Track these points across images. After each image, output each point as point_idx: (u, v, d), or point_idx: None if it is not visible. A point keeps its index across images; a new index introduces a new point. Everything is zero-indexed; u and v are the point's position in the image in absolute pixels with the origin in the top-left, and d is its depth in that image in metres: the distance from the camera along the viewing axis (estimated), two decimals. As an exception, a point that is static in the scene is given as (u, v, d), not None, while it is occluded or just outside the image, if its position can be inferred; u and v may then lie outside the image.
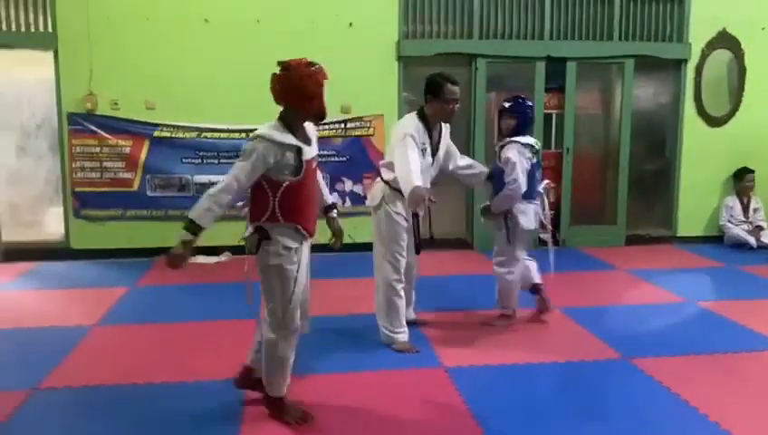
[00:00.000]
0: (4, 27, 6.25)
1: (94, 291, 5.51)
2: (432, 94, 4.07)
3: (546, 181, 4.63)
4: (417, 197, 3.63)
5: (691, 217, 7.39)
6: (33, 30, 6.30)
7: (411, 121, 4.07)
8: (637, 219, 7.41)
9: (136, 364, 3.86)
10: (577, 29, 6.97)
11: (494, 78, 7.00)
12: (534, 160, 4.34)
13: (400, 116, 6.80)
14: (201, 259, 6.51)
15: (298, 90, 2.95)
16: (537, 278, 4.62)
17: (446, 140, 4.28)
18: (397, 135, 3.97)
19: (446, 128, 4.29)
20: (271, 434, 3.08)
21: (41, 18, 6.30)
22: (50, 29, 6.30)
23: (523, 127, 4.34)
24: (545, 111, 7.06)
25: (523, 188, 4.24)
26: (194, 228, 2.90)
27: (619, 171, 7.19)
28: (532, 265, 4.62)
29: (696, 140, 7.26)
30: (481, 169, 4.54)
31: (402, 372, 3.76)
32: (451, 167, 4.40)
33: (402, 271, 4.15)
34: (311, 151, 3.09)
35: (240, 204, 3.19)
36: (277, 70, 3.01)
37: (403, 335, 4.14)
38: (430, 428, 3.14)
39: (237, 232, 6.48)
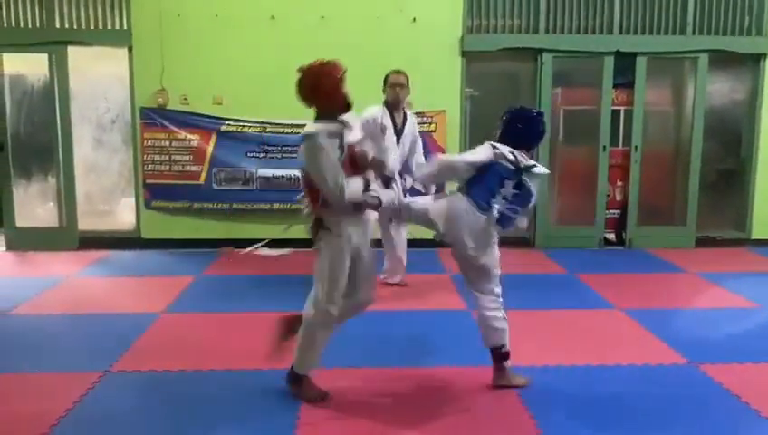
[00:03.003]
0: (83, 25, 6.54)
1: (162, 279, 5.71)
2: (384, 85, 4.99)
3: (519, 210, 3.38)
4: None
5: (767, 219, 7.05)
6: (108, 27, 6.57)
7: (373, 107, 4.91)
8: (708, 221, 7.13)
9: (200, 351, 3.99)
10: (648, 22, 6.74)
11: (561, 73, 6.87)
12: (510, 168, 3.31)
13: (462, 112, 6.79)
14: (264, 251, 6.67)
15: (316, 88, 3.16)
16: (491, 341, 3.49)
17: (411, 129, 5.03)
18: None
19: (411, 117, 5.07)
20: (328, 423, 3.13)
21: (116, 16, 6.56)
22: (125, 27, 6.56)
23: (503, 138, 3.42)
24: (613, 108, 6.89)
25: (462, 164, 3.38)
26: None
27: (689, 170, 6.94)
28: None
29: (775, 139, 6.92)
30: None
31: (462, 369, 3.75)
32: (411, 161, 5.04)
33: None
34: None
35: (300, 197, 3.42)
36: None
37: None
38: (488, 427, 3.12)
39: (301, 230, 6.66)
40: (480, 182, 3.35)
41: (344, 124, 3.21)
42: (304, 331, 3.28)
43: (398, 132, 4.98)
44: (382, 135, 4.87)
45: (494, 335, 3.43)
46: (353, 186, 3.10)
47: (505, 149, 3.34)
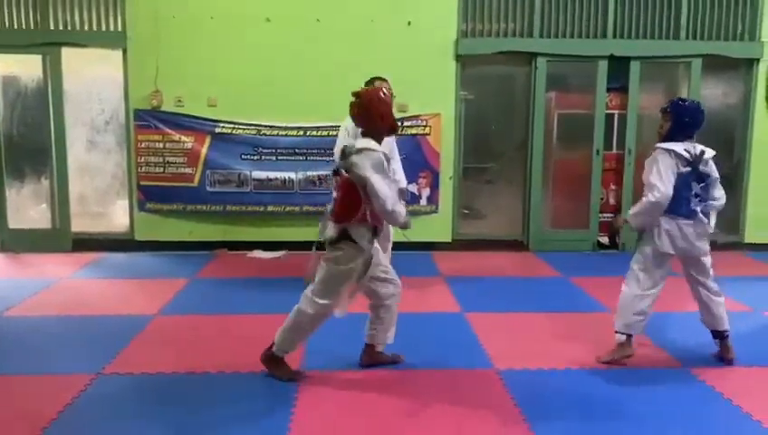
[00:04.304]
0: (77, 27, 6.53)
1: (156, 282, 5.70)
2: None
3: (713, 202, 3.82)
4: None
5: (760, 222, 7.08)
6: (103, 29, 6.56)
7: (347, 117, 4.93)
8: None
9: (194, 354, 3.98)
10: (642, 27, 6.78)
11: (555, 77, 6.89)
12: (688, 170, 3.71)
13: (457, 115, 6.80)
14: (258, 254, 6.66)
15: (370, 112, 3.47)
16: (722, 324, 3.91)
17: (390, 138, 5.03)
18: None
19: None
20: (321, 424, 3.12)
21: (111, 18, 6.55)
22: (119, 28, 6.55)
23: (676, 131, 3.77)
24: (607, 112, 6.92)
25: (665, 197, 3.63)
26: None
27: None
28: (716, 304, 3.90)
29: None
30: (402, 182, 5.02)
31: (453, 372, 3.75)
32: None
33: None
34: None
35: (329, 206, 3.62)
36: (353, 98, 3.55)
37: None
38: (480, 430, 3.12)
39: (295, 233, 6.73)
40: (674, 197, 3.66)
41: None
42: (297, 318, 3.55)
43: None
44: None
45: (724, 318, 3.88)
46: (401, 209, 3.43)
47: (679, 148, 3.70)
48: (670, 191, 3.63)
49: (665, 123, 3.82)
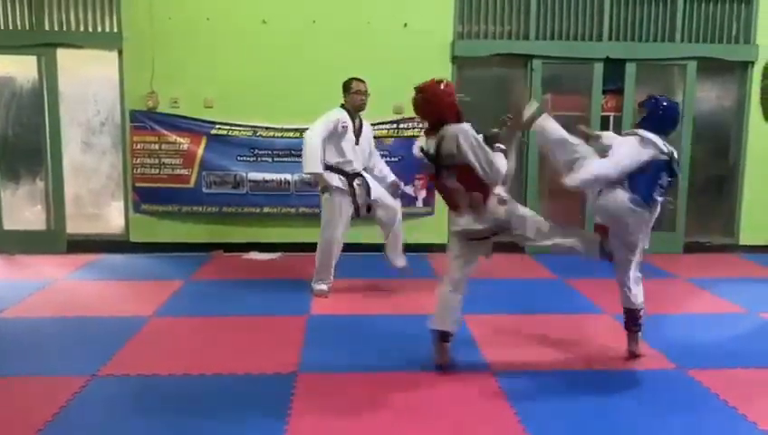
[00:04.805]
0: (72, 28, 6.51)
1: (152, 283, 5.68)
2: (345, 91, 5.20)
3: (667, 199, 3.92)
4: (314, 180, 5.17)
5: (756, 225, 7.10)
6: (99, 30, 6.54)
7: (332, 111, 5.15)
8: (697, 226, 7.17)
9: (189, 356, 3.97)
10: (637, 30, 6.80)
11: (550, 79, 6.90)
12: (665, 159, 3.67)
13: (453, 117, 6.79)
14: (254, 255, 6.65)
15: (436, 104, 3.55)
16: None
17: (367, 134, 5.35)
18: None
19: (366, 124, 5.35)
20: (317, 428, 3.12)
21: (107, 19, 6.54)
22: (115, 29, 6.53)
23: (647, 123, 3.73)
24: (602, 114, 6.93)
25: (614, 171, 3.60)
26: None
27: (678, 176, 6.97)
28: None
29: (763, 146, 6.96)
30: (389, 177, 5.43)
31: (450, 374, 3.75)
32: (369, 164, 5.38)
33: (336, 233, 5.22)
34: None
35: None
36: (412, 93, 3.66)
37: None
38: (476, 431, 3.12)
39: (291, 234, 6.73)
40: (643, 178, 3.62)
41: None
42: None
43: (357, 135, 5.23)
44: (344, 135, 5.14)
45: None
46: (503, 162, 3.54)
47: (657, 140, 3.62)
48: (623, 169, 3.60)
49: (640, 116, 3.82)
